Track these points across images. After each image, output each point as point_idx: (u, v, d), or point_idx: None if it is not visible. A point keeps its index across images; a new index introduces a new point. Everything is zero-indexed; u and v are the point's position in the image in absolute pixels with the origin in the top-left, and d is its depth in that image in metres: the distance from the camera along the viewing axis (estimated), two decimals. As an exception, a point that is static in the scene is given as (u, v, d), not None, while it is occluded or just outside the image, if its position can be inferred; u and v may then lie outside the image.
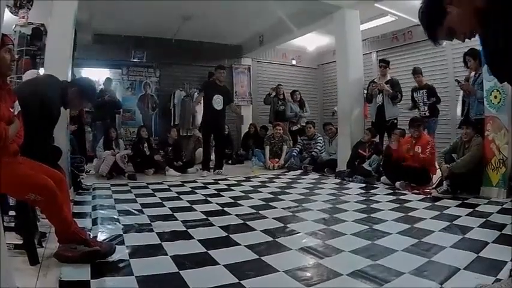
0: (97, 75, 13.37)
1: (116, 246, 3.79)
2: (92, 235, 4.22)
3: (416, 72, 9.84)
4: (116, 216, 5.31)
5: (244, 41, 16.14)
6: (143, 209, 5.81)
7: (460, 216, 5.44)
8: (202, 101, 10.52)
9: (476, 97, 7.44)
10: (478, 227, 4.84)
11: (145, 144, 10.60)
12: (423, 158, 7.92)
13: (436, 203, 6.40)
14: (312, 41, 16.16)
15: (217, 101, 10.23)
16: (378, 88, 9.73)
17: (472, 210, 5.82)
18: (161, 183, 8.66)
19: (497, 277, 2.68)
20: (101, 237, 4.30)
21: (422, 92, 9.60)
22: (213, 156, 10.84)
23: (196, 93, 13.56)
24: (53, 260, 3.47)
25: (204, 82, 12.08)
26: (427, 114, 9.49)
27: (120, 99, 13.04)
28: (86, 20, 10.20)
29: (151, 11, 11.32)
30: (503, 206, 5.94)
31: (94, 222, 5.02)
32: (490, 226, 4.83)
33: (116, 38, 13.53)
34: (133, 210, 5.70)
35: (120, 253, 3.71)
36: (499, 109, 6.78)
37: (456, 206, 6.12)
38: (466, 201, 6.45)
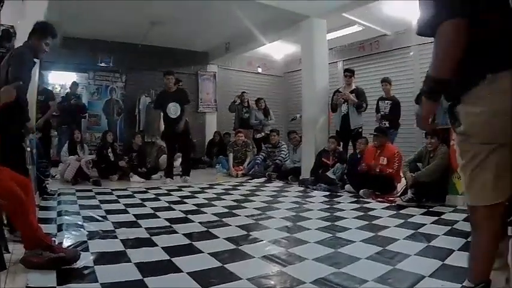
0: (64, 78, 13.32)
1: (81, 252, 3.80)
2: (57, 241, 4.21)
3: (385, 80, 10.06)
4: (80, 223, 5.31)
5: (210, 47, 16.15)
6: (107, 216, 5.82)
7: (425, 224, 5.54)
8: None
9: (442, 107, 7.58)
10: (443, 234, 4.93)
11: (110, 150, 10.56)
12: (390, 172, 8.06)
13: (400, 211, 6.50)
14: (278, 49, 16.27)
15: (172, 109, 10.08)
16: (343, 98, 9.85)
17: (437, 218, 5.94)
18: (125, 189, 8.68)
19: (463, 284, 2.77)
20: (66, 243, 4.31)
21: (386, 103, 9.78)
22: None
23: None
24: (20, 265, 3.47)
25: (156, 96, 11.91)
26: (387, 125, 9.61)
27: (86, 104, 13.03)
28: (55, 22, 10.11)
29: (119, 15, 11.32)
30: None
31: (59, 228, 5.01)
32: (456, 234, 4.92)
33: (84, 41, 13.41)
34: (97, 217, 5.70)
35: (85, 260, 3.72)
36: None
37: (421, 214, 6.24)
38: (431, 210, 6.57)
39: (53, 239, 4.11)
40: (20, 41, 5.99)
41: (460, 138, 2.46)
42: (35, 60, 5.15)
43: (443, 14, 2.18)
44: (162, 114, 10.33)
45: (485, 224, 2.43)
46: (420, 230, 5.17)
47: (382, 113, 9.85)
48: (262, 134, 13.26)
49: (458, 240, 4.56)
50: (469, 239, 4.33)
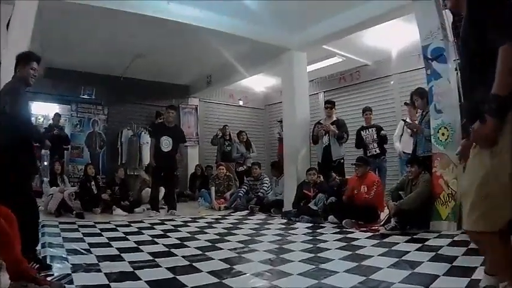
0: (46, 109, 13.35)
1: (65, 285, 3.82)
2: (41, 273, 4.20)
3: (368, 109, 10.22)
4: (64, 255, 5.28)
5: (192, 81, 16.35)
6: (91, 249, 5.78)
7: (409, 251, 5.52)
8: (149, 143, 10.51)
9: (424, 135, 7.72)
10: (428, 261, 4.90)
11: (93, 183, 10.56)
12: (366, 198, 8.17)
13: (384, 240, 6.49)
14: (259, 82, 16.48)
15: (166, 143, 10.23)
16: (324, 129, 9.94)
17: (421, 245, 5.93)
18: (108, 222, 8.63)
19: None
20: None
21: (371, 130, 9.90)
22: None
23: (143, 133, 13.70)
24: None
25: (153, 125, 12.05)
26: (377, 151, 9.81)
27: (69, 136, 13.01)
28: (38, 53, 10.16)
29: (102, 47, 11.46)
30: (454, 239, 6.10)
31: (44, 260, 4.96)
32: (440, 259, 4.92)
33: (67, 72, 13.43)
34: (81, 250, 5.67)
35: None
36: (446, 146, 7.12)
37: (405, 242, 6.22)
38: (415, 237, 6.57)
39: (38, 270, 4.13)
40: (4, 69, 6.04)
41: (496, 160, 2.56)
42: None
43: (507, 36, 2.38)
44: (152, 144, 10.49)
45: (501, 242, 2.55)
46: (404, 258, 5.15)
47: (371, 140, 9.97)
48: (244, 167, 13.35)
49: (443, 265, 4.55)
50: (454, 264, 4.34)
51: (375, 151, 9.87)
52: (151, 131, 11.67)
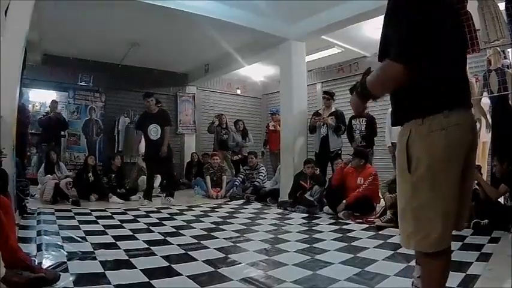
0: (44, 97, 13.29)
1: (61, 273, 3.79)
2: (37, 261, 4.21)
3: None
4: (60, 243, 5.26)
5: (190, 69, 16.36)
6: (86, 236, 5.75)
7: None
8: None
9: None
10: None
11: (90, 173, 10.49)
12: (359, 192, 8.15)
13: (379, 232, 6.49)
14: (257, 71, 16.43)
15: (153, 131, 10.01)
16: (321, 121, 9.94)
17: None
18: (104, 210, 8.62)
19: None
20: (46, 263, 4.27)
21: (361, 121, 9.75)
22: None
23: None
24: (1, 284, 3.46)
25: (138, 118, 11.89)
26: (363, 143, 9.60)
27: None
28: (35, 40, 10.17)
29: (100, 35, 11.46)
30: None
31: (39, 248, 4.96)
32: None
33: (65, 59, 13.52)
34: (76, 237, 5.65)
35: (65, 281, 3.70)
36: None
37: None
38: None
39: (33, 259, 4.13)
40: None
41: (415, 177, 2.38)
42: None
43: (392, 53, 2.37)
44: (143, 135, 10.30)
45: (439, 261, 2.43)
46: (399, 250, 5.07)
47: (357, 131, 9.82)
48: (239, 156, 13.31)
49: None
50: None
51: (359, 142, 9.69)
52: (136, 124, 11.52)
